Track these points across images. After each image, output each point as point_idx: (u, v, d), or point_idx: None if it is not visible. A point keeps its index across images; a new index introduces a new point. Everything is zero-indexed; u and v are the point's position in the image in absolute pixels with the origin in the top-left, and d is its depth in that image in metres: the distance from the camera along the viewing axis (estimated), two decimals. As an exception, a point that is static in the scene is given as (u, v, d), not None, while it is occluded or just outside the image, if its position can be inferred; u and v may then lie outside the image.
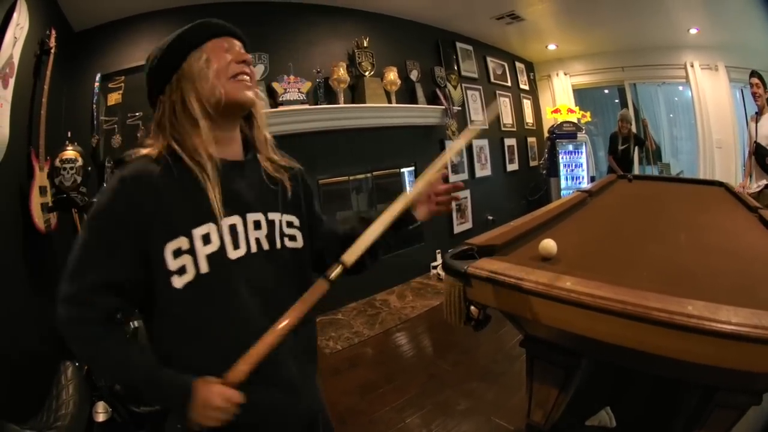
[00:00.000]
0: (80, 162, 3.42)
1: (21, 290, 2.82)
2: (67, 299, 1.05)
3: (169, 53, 1.15)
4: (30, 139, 3.09)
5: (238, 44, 1.23)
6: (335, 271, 1.19)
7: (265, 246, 1.20)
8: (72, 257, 1.07)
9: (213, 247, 1.09)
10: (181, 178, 1.09)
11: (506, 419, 2.80)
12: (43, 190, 3.06)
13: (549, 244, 1.86)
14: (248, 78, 1.20)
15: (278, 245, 1.23)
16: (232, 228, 1.13)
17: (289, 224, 1.28)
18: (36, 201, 2.94)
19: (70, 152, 3.41)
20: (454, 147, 1.89)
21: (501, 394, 3.08)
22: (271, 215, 1.23)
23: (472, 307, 1.73)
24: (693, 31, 7.02)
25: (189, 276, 1.07)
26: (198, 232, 1.08)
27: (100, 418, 1.82)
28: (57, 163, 3.34)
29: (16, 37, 2.76)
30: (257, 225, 1.19)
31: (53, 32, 3.28)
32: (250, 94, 1.19)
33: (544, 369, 1.91)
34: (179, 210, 1.08)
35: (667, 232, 2.42)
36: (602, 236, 2.46)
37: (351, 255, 1.21)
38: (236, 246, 1.13)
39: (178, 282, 1.06)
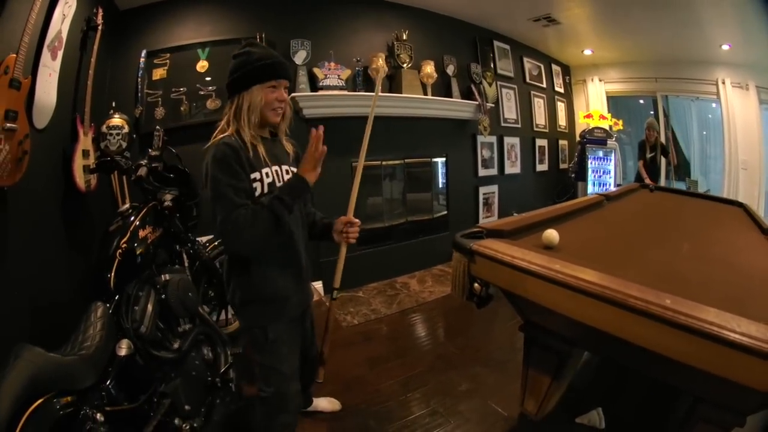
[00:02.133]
0: (126, 129, 3.69)
1: (58, 241, 3.06)
2: (230, 208, 1.81)
3: (247, 76, 1.93)
4: (75, 107, 3.34)
5: (285, 84, 2.02)
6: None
7: None
8: (217, 187, 1.82)
9: (269, 179, 1.97)
10: (247, 146, 1.93)
11: (502, 405, 2.90)
12: (85, 153, 3.29)
13: (552, 234, 1.98)
14: (280, 110, 2.03)
15: None
16: (276, 171, 2.02)
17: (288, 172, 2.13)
18: (78, 163, 3.20)
19: (117, 120, 3.68)
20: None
21: (501, 380, 3.18)
22: (293, 168, 2.11)
23: (476, 284, 1.86)
24: (725, 47, 6.93)
25: (258, 192, 1.93)
26: (263, 170, 1.96)
27: (123, 352, 2.00)
28: (104, 129, 3.60)
29: (64, 14, 3.01)
30: (287, 172, 2.08)
31: (100, 11, 3.52)
32: (277, 119, 2.04)
33: (539, 355, 2.05)
34: (252, 160, 1.92)
35: (671, 240, 2.49)
36: (607, 236, 2.55)
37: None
38: (281, 181, 2.02)
39: (257, 188, 1.94)
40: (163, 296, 2.40)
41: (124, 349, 2.02)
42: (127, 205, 2.62)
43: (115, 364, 1.96)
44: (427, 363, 3.54)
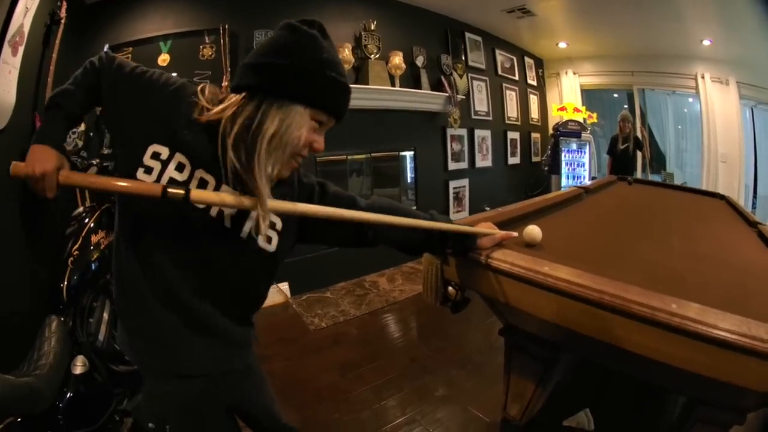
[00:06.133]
0: (82, 127, 3.52)
1: (17, 250, 2.89)
2: (99, 59, 1.29)
3: (296, 81, 1.12)
4: (36, 105, 3.19)
5: (328, 127, 1.24)
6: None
7: (227, 223, 1.20)
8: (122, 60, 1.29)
9: (179, 177, 1.15)
10: (202, 131, 1.16)
11: (483, 410, 2.81)
12: None
13: (534, 230, 1.82)
14: (299, 162, 1.23)
15: (244, 234, 1.22)
16: (203, 182, 1.17)
17: (271, 225, 1.26)
18: None
19: None
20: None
21: (480, 384, 3.09)
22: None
23: (450, 288, 1.71)
24: (706, 42, 6.92)
25: (149, 179, 1.13)
26: (179, 156, 1.15)
27: (78, 370, 1.90)
28: None
29: (27, 8, 2.86)
30: (213, 190, 1.19)
31: (64, 4, 3.39)
32: (286, 173, 1.22)
33: (522, 361, 1.87)
34: (184, 136, 1.15)
35: (660, 236, 2.37)
36: (592, 232, 2.42)
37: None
38: (201, 188, 1.17)
39: (140, 175, 1.13)
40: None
41: (79, 366, 1.92)
42: (81, 209, 2.54)
43: (71, 384, 1.87)
44: (401, 367, 3.43)
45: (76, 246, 2.22)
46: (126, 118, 1.18)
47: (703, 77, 7.67)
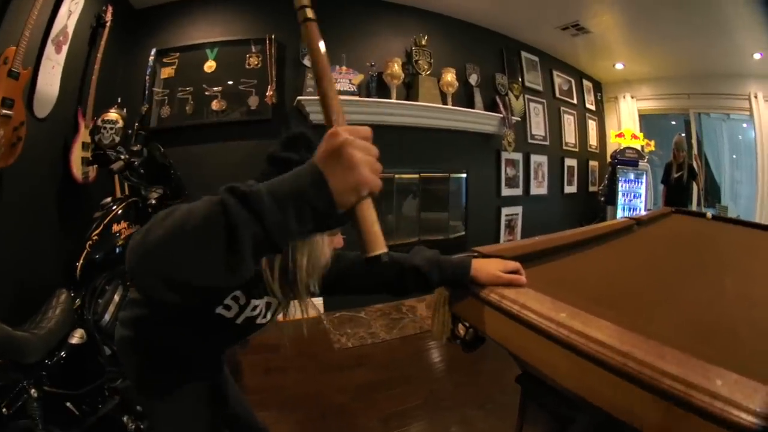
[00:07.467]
0: (120, 124, 3.76)
1: (51, 228, 3.22)
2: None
3: None
4: (80, 100, 3.50)
5: None
6: None
7: (264, 320, 1.44)
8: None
9: (254, 312, 1.36)
10: None
11: (491, 455, 2.62)
12: (86, 146, 3.44)
13: None
14: None
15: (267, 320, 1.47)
16: (268, 305, 1.40)
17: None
18: (77, 154, 3.34)
19: (112, 114, 3.72)
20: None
21: (496, 427, 2.84)
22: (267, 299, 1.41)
23: (460, 324, 1.52)
24: (757, 56, 6.64)
25: (227, 314, 1.30)
26: (254, 302, 1.34)
27: (74, 340, 2.08)
28: (99, 122, 3.66)
29: (71, 11, 3.17)
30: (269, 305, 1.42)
31: (109, 8, 3.68)
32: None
33: (536, 414, 1.63)
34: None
35: (712, 275, 2.09)
36: (637, 268, 2.13)
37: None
38: (264, 316, 1.41)
39: (219, 310, 1.29)
40: (130, 292, 2.44)
41: (75, 337, 2.10)
42: (109, 198, 2.75)
43: (65, 349, 2.06)
44: (418, 398, 3.23)
45: (97, 231, 2.39)
46: None
47: (756, 97, 7.40)
